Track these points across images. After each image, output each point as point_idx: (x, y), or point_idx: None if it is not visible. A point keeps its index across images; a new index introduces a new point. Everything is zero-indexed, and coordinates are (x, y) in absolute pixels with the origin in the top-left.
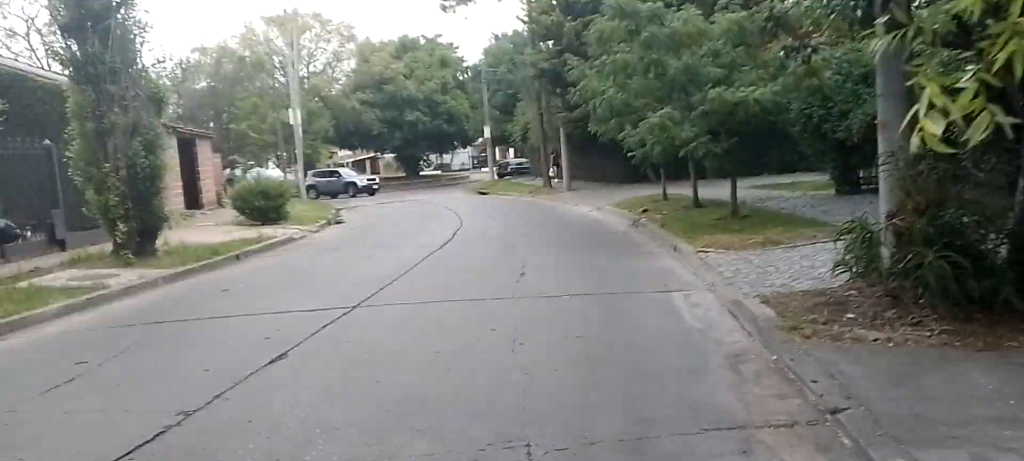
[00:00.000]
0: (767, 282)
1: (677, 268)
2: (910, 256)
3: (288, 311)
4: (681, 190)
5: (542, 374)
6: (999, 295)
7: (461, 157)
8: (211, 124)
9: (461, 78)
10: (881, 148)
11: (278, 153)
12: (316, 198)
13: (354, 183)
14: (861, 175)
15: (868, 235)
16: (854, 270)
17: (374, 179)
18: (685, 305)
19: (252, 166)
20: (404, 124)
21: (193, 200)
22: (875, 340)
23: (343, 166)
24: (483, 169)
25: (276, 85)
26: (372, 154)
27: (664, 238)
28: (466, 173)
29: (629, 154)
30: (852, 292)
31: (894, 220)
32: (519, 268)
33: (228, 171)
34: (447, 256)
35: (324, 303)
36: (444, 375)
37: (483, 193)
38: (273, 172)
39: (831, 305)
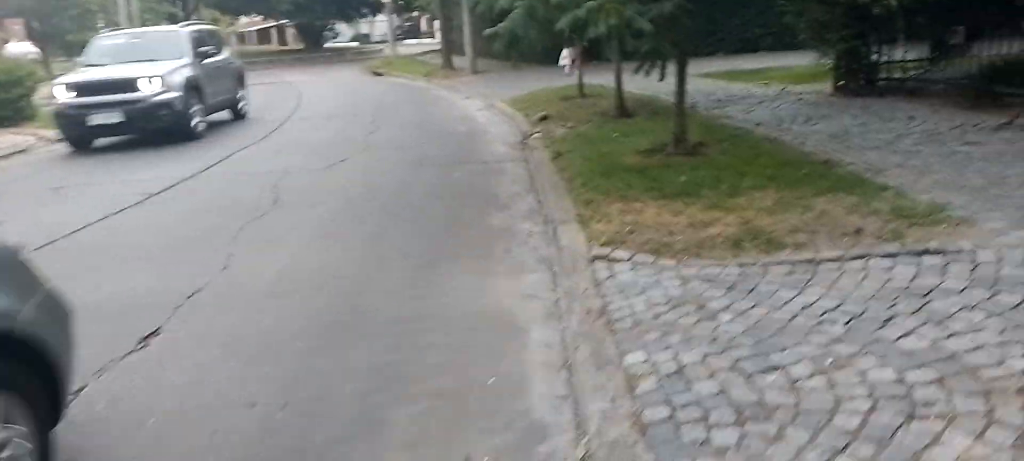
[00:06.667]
0: None
1: (535, 366)
2: None
3: None
4: (606, 79)
5: None
6: None
7: (382, 27)
8: None
9: None
10: None
11: (113, 20)
12: None
13: None
14: (878, 62)
15: None
16: None
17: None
18: None
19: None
20: None
21: None
22: None
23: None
24: (413, 40)
25: None
26: (274, 23)
27: (552, 191)
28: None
29: (487, 31)
30: None
31: None
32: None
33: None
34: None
35: None
36: None
37: (378, 73)
38: (21, 48)
39: None
